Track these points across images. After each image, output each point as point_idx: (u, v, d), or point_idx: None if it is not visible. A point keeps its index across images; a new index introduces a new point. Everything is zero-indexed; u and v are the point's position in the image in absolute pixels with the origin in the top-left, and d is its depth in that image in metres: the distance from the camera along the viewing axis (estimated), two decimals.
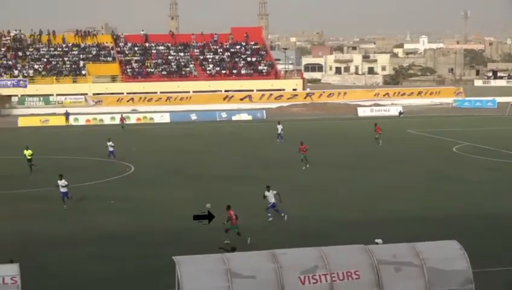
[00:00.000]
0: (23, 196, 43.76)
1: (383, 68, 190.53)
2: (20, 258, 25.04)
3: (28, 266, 24.99)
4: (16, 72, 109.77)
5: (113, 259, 29.68)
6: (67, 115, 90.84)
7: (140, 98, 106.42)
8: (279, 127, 66.67)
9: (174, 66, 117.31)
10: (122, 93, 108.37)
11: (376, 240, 25.49)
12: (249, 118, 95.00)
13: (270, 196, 35.71)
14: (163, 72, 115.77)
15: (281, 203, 36.25)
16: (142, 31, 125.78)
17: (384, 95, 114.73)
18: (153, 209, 39.82)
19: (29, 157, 51.12)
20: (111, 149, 56.84)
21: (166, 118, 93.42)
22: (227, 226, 31.66)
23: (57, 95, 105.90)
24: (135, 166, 54.37)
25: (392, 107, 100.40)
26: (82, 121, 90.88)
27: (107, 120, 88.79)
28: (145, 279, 27.13)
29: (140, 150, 63.52)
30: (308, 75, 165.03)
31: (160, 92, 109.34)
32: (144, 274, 27.61)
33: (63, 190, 39.01)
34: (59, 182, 39.18)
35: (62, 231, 34.72)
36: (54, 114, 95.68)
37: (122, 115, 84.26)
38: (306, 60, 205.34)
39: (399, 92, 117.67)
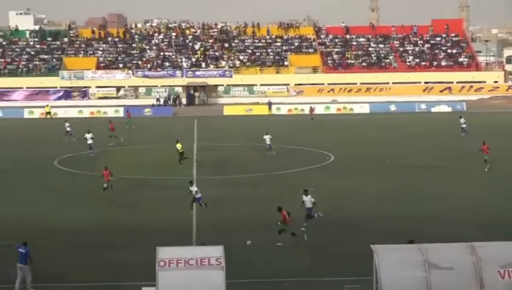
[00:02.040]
0: (234, 181, 45.98)
1: None
2: (221, 241, 26.49)
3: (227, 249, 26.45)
4: (223, 62, 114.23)
5: (309, 244, 30.75)
6: (270, 104, 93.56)
7: (341, 88, 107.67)
8: (462, 120, 65.96)
9: (374, 58, 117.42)
10: (323, 84, 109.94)
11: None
12: (449, 109, 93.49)
13: (307, 201, 33.79)
14: (363, 64, 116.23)
15: None
16: (343, 23, 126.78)
17: None
18: (350, 197, 40.64)
19: (180, 150, 51.37)
20: (268, 143, 56.05)
21: (365, 109, 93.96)
22: (281, 227, 30.90)
23: (261, 85, 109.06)
24: (335, 155, 55.41)
25: None
26: (284, 110, 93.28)
27: (306, 110, 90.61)
28: (341, 265, 27.89)
29: (340, 140, 64.50)
30: (510, 67, 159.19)
31: (360, 83, 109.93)
32: (340, 260, 28.46)
33: (197, 195, 36.97)
34: (191, 188, 37.10)
35: (261, 215, 36.23)
36: (257, 103, 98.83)
37: (311, 107, 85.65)
38: (508, 52, 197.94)
39: None
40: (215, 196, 41.15)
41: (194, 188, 36.61)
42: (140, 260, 27.74)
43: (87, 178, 46.76)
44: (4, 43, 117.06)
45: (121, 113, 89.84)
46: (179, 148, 51.31)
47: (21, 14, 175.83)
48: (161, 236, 31.28)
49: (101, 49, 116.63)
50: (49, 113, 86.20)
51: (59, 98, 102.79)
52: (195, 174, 48.38)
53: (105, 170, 41.23)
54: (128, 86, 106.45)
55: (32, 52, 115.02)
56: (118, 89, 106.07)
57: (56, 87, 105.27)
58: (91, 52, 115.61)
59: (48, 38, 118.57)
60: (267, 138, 56.39)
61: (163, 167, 51.60)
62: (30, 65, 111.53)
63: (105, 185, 40.59)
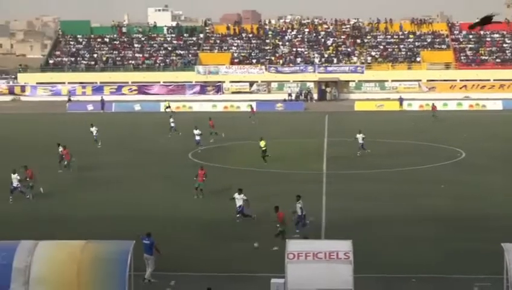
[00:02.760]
0: (358, 176, 46.61)
1: None
2: (350, 235, 27.21)
3: (360, 242, 27.13)
4: (355, 58, 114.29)
5: (440, 240, 31.09)
6: (401, 100, 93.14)
7: (473, 85, 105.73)
8: None
9: (509, 54, 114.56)
10: (455, 80, 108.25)
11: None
12: None
13: (238, 199, 34.36)
14: (497, 60, 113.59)
15: None
16: (477, 19, 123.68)
17: None
18: (481, 194, 40.48)
19: (263, 148, 51.09)
20: (361, 142, 54.48)
21: (498, 106, 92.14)
22: (281, 229, 30.52)
23: (392, 81, 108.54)
24: (466, 152, 55.01)
25: None
26: (415, 106, 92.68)
27: (439, 106, 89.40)
28: (471, 263, 28.11)
29: (471, 137, 63.83)
30: None
31: (494, 80, 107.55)
32: (470, 257, 28.65)
33: (238, 203, 35.14)
34: (236, 195, 35.36)
35: (392, 211, 36.71)
36: (388, 99, 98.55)
37: (433, 104, 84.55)
38: None
39: None
40: (344, 190, 41.96)
41: (240, 196, 35.01)
42: (269, 251, 28.91)
43: (219, 170, 48.46)
44: (143, 38, 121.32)
45: (254, 107, 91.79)
46: (262, 146, 51.16)
47: (159, 10, 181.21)
48: (290, 228, 31.98)
49: (235, 44, 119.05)
50: (168, 107, 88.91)
51: (194, 93, 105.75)
52: (325, 168, 49.27)
53: (201, 170, 40.73)
54: (261, 81, 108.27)
55: (169, 48, 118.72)
56: (251, 83, 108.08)
57: (191, 82, 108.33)
58: (226, 47, 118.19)
59: (185, 34, 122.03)
60: (359, 136, 54.48)
61: (293, 161, 52.67)
62: (167, 60, 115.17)
63: (196, 185, 40.35)
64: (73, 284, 22.67)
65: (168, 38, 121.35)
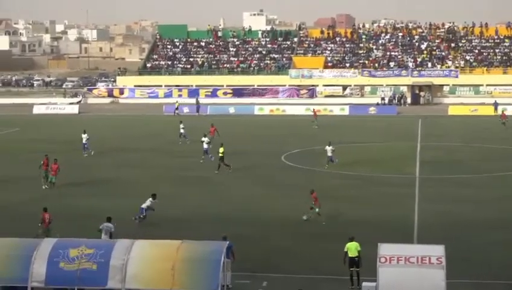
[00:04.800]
0: (451, 181, 46.01)
1: None
2: (442, 240, 27.12)
3: (452, 247, 27.00)
4: (449, 62, 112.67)
5: None
6: (496, 105, 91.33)
7: None
8: None
9: None
10: None
11: None
12: None
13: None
14: None
15: None
16: None
17: None
18: None
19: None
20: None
21: None
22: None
23: (487, 85, 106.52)
24: None
25: None
26: (510, 111, 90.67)
27: None
28: None
29: None
30: None
31: None
32: None
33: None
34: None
35: (486, 216, 36.21)
36: (483, 104, 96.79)
37: (503, 110, 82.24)
38: None
39: None
40: (437, 194, 41.69)
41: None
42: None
43: (310, 173, 48.80)
44: (238, 42, 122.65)
45: (347, 111, 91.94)
46: (328, 151, 50.18)
47: (254, 15, 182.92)
48: (381, 232, 32.25)
49: (329, 48, 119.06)
50: (177, 109, 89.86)
51: (287, 96, 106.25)
52: (417, 172, 49.02)
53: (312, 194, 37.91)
54: (354, 85, 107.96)
55: (264, 52, 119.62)
56: (344, 87, 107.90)
57: (285, 86, 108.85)
58: (319, 51, 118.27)
59: (279, 38, 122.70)
60: (328, 149, 50.69)
61: (386, 164, 52.57)
62: (261, 64, 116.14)
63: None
64: (168, 283, 23.31)
65: (263, 42, 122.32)
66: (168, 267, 23.38)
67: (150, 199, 36.12)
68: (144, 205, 35.80)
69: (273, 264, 28.77)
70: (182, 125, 63.65)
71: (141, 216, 35.57)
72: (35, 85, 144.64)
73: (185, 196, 42.27)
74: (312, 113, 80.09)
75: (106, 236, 29.35)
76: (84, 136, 57.39)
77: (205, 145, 53.21)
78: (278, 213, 37.54)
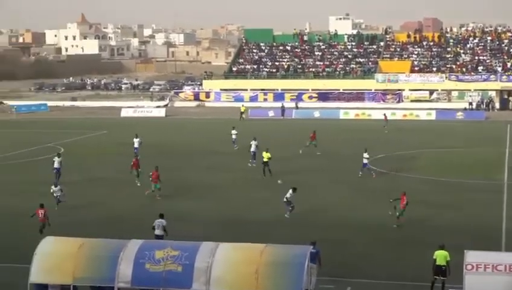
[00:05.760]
0: None
1: None
2: None
3: None
4: None
5: None
6: None
7: None
8: None
9: None
10: None
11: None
12: None
13: None
14: None
15: None
16: None
17: None
18: None
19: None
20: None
21: None
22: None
23: None
24: None
25: None
26: None
27: None
28: None
29: None
30: None
31: None
32: None
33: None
34: None
35: None
36: None
37: None
38: None
39: None
40: None
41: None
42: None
43: (396, 178, 48.39)
44: (323, 46, 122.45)
45: (433, 116, 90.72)
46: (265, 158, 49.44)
47: (340, 19, 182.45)
48: (468, 238, 31.79)
49: (415, 52, 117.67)
50: (242, 113, 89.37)
51: (373, 100, 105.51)
52: (506, 178, 48.09)
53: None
54: (441, 90, 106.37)
55: (350, 56, 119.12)
56: (431, 92, 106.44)
57: (371, 90, 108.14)
58: (406, 55, 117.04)
59: (365, 42, 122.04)
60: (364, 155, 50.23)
61: (473, 170, 51.70)
62: (347, 68, 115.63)
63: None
64: (251, 286, 23.38)
65: (349, 46, 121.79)
66: (252, 270, 23.47)
67: (290, 191, 37.41)
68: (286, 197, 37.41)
69: (357, 269, 28.69)
70: (234, 131, 63.67)
71: (290, 208, 37.32)
72: (123, 88, 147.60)
73: (270, 199, 42.43)
74: (383, 118, 79.85)
75: (159, 230, 30.89)
76: (136, 140, 57.75)
77: (253, 149, 53.67)
78: (363, 218, 37.45)
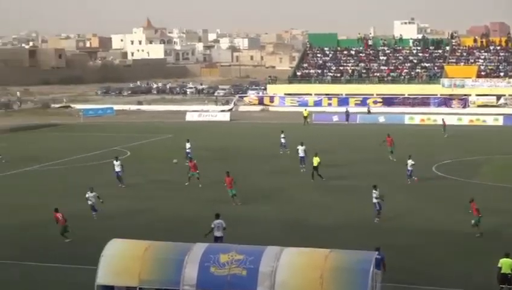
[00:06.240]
0: None
1: None
2: None
3: None
4: None
5: None
6: None
7: None
8: None
9: None
10: None
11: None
12: None
13: None
14: None
15: None
16: None
17: None
18: None
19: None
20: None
21: None
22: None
23: None
24: None
25: None
26: None
27: None
28: None
29: None
30: None
31: None
32: None
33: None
34: None
35: None
36: None
37: None
38: None
39: None
40: None
41: None
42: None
43: (464, 184, 47.69)
44: (388, 51, 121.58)
45: (501, 121, 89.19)
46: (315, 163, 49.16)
47: (405, 23, 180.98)
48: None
49: (482, 57, 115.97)
50: (306, 118, 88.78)
51: (439, 106, 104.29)
52: None
53: None
54: (509, 95, 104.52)
55: (415, 60, 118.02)
56: (498, 97, 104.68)
57: (436, 95, 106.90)
58: (472, 60, 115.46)
59: (430, 47, 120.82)
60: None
61: None
62: (412, 73, 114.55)
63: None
64: None
65: (414, 51, 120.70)
66: (317, 276, 23.39)
67: (374, 190, 37.62)
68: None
69: (424, 276, 28.36)
70: (282, 135, 63.51)
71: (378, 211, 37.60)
72: (188, 93, 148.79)
73: (332, 204, 42.30)
74: (442, 123, 78.92)
75: (219, 232, 30.89)
76: (188, 145, 57.88)
77: (301, 153, 53.54)
78: (430, 224, 37.08)
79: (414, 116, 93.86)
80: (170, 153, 61.06)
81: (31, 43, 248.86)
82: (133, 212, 40.35)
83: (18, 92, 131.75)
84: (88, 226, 36.82)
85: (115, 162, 48.92)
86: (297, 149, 54.47)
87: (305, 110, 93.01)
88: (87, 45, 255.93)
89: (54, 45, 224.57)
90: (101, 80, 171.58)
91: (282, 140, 63.08)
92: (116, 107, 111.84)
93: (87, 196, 38.90)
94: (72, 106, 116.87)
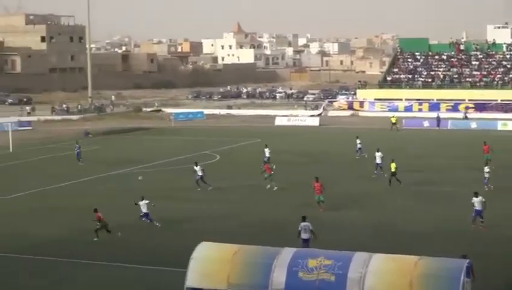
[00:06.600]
0: None
1: None
2: None
3: None
4: None
5: None
6: None
7: None
8: None
9: None
10: None
11: None
12: None
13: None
14: None
15: None
16: None
17: None
18: None
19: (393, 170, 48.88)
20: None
21: None
22: None
23: None
24: None
25: None
26: None
27: None
28: None
29: None
30: None
31: None
32: None
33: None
34: None
35: None
36: None
37: None
38: None
39: None
40: None
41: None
42: None
43: None
44: (481, 56, 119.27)
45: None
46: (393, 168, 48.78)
47: (499, 28, 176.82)
48: None
49: None
50: (395, 124, 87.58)
51: None
52: None
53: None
54: None
55: (508, 65, 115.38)
56: None
57: None
58: None
59: None
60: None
61: None
62: (505, 78, 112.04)
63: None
64: None
65: (507, 56, 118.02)
66: (406, 282, 23.19)
67: (474, 198, 37.00)
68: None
69: None
70: (358, 141, 63.45)
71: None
72: (277, 97, 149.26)
73: (421, 210, 41.80)
74: None
75: (306, 234, 31.01)
76: (267, 150, 58.27)
77: (378, 160, 53.42)
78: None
79: (508, 123, 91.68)
80: (258, 158, 61.42)
81: (123, 48, 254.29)
82: (220, 215, 40.70)
83: (113, 96, 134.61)
84: (176, 228, 37.32)
85: (195, 167, 49.59)
86: (375, 156, 54.23)
87: (393, 116, 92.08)
88: (179, 49, 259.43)
89: (146, 50, 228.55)
90: (191, 85, 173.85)
91: (359, 145, 63.27)
92: (206, 111, 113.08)
93: (139, 203, 38.11)
94: (163, 109, 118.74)
